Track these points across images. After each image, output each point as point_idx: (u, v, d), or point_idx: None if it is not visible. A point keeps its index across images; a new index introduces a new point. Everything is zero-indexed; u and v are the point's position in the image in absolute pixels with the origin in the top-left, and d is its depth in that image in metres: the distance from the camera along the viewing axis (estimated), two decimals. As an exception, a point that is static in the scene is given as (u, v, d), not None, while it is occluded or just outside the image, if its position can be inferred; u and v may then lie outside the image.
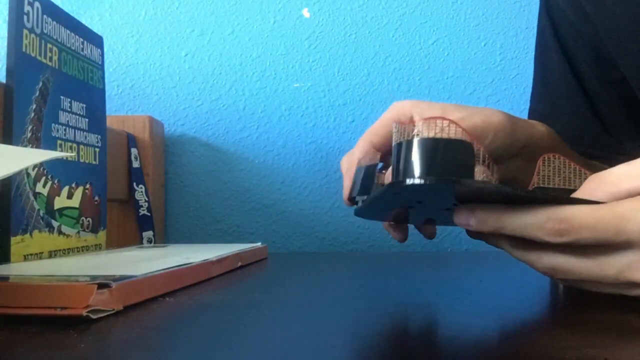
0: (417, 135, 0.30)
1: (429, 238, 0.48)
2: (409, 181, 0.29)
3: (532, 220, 0.30)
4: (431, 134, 0.30)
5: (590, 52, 0.56)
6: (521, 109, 0.88)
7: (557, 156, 0.34)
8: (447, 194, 0.31)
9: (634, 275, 0.30)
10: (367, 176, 0.38)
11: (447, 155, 0.29)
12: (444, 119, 0.31)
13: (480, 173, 0.31)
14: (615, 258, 0.30)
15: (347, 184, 0.44)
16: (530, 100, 0.64)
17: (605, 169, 0.32)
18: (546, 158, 0.34)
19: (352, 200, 0.42)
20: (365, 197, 0.37)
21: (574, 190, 0.32)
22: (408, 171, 0.30)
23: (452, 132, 0.30)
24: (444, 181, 0.29)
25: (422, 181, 0.29)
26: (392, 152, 0.32)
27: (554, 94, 0.60)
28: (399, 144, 0.31)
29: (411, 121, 0.38)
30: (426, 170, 0.29)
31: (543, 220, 0.30)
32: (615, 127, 0.57)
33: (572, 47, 0.57)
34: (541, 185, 0.34)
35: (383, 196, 0.33)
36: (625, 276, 0.30)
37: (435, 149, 0.29)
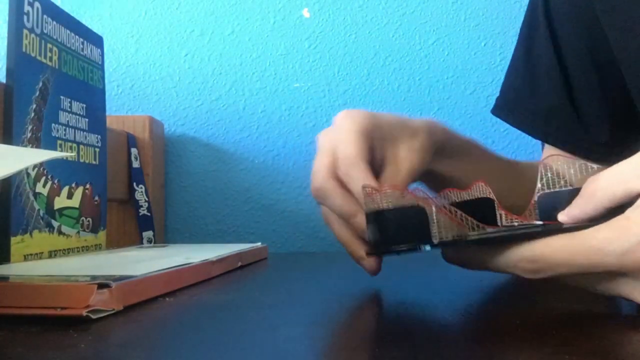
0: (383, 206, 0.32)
1: None
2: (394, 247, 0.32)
3: (508, 262, 0.30)
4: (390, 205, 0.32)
5: (581, 33, 0.55)
6: (521, 109, 0.88)
7: (558, 157, 0.35)
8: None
9: (621, 292, 0.30)
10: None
11: (407, 222, 0.31)
12: (396, 187, 0.33)
13: (439, 227, 0.32)
14: (600, 281, 0.30)
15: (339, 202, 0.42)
16: (506, 75, 0.64)
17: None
18: (547, 164, 0.34)
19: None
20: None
21: (579, 189, 0.32)
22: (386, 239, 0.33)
23: (407, 201, 0.32)
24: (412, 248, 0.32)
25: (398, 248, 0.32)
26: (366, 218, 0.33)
27: (533, 69, 0.59)
28: (374, 214, 0.33)
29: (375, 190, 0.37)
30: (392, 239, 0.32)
31: (517, 260, 0.30)
32: (587, 113, 0.56)
33: (563, 26, 0.56)
34: (546, 191, 0.34)
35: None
36: (610, 292, 0.30)
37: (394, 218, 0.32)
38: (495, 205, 0.33)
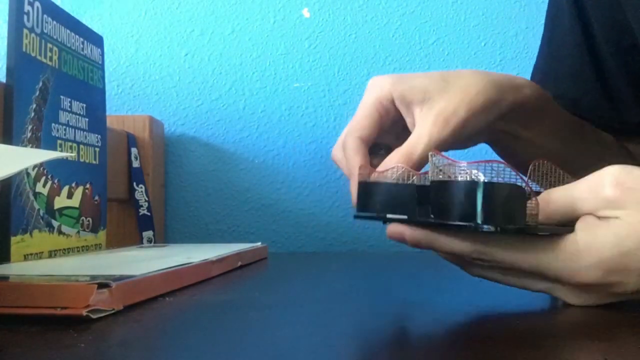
0: (476, 177, 0.30)
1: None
2: (486, 227, 0.30)
3: (461, 247, 0.33)
4: (487, 178, 0.31)
5: (604, 14, 0.55)
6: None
7: (544, 162, 0.36)
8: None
9: (556, 294, 0.33)
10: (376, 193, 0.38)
11: (510, 201, 0.30)
12: (499, 162, 0.31)
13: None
14: (537, 282, 0.33)
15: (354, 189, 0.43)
16: (536, 58, 0.64)
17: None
18: (536, 164, 0.35)
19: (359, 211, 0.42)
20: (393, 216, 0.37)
21: None
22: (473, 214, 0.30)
23: (508, 176, 0.31)
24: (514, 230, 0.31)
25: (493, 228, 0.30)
26: (432, 188, 0.32)
27: (559, 52, 0.59)
28: (459, 184, 0.31)
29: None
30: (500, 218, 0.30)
31: (470, 250, 0.33)
32: (615, 94, 0.56)
33: (587, 7, 0.57)
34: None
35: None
36: (549, 293, 0.34)
37: (503, 194, 0.30)
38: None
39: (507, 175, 0.31)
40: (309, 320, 0.31)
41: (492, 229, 0.30)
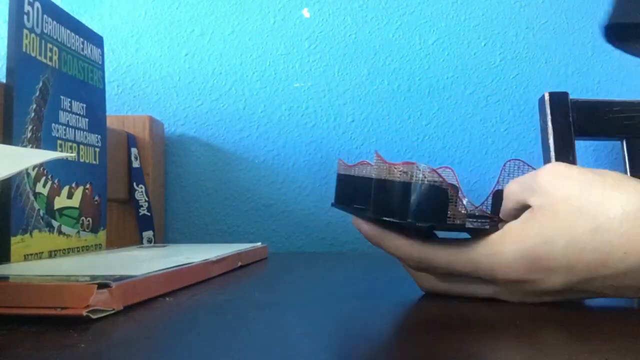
0: (414, 178, 0.33)
1: None
2: (386, 218, 0.33)
3: (404, 250, 0.36)
4: (420, 176, 0.33)
5: None
6: (521, 109, 0.88)
7: (514, 160, 0.38)
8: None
9: (505, 298, 0.34)
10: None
11: (426, 201, 0.33)
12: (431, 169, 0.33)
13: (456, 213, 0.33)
14: (481, 287, 0.35)
15: None
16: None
17: None
18: (506, 163, 0.38)
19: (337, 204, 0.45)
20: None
21: None
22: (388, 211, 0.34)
23: (434, 178, 0.33)
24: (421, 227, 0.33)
25: (398, 220, 0.33)
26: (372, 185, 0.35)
27: None
28: (386, 183, 0.34)
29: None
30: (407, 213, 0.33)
31: (409, 252, 0.35)
32: None
33: None
34: (500, 189, 0.37)
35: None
36: (498, 297, 0.35)
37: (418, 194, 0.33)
38: (460, 193, 0.34)
39: (445, 175, 0.33)
40: (309, 320, 0.31)
41: (421, 225, 0.32)
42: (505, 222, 0.34)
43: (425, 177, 0.32)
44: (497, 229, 0.34)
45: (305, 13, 0.89)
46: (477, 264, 0.33)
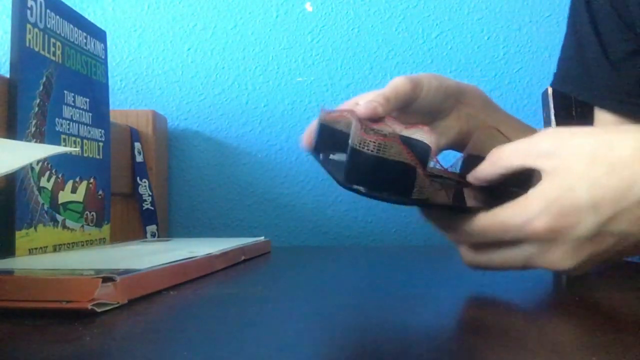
0: (375, 148, 0.33)
1: None
2: (356, 187, 0.33)
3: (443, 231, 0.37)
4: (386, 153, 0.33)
5: (614, 19, 0.57)
6: (524, 103, 0.88)
7: (489, 128, 0.38)
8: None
9: (536, 263, 0.34)
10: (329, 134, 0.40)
11: (393, 176, 0.33)
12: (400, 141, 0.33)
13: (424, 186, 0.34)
14: (516, 253, 0.35)
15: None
16: (561, 51, 0.66)
17: None
18: (480, 131, 0.39)
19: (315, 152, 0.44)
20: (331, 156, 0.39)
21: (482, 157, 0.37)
22: (356, 179, 0.34)
23: (403, 156, 0.33)
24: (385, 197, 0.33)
25: (365, 191, 0.33)
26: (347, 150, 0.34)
27: (581, 49, 0.62)
28: (355, 150, 0.33)
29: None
30: (373, 185, 0.33)
31: (452, 230, 0.37)
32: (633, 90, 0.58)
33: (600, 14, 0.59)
34: (473, 154, 0.38)
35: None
36: (531, 264, 0.35)
37: (385, 167, 0.33)
38: (431, 152, 0.35)
39: (418, 136, 0.34)
40: (312, 313, 0.31)
41: (360, 189, 0.33)
42: (473, 185, 0.36)
43: (393, 153, 0.33)
44: (462, 190, 0.35)
45: (308, 7, 0.88)
46: (507, 225, 0.34)
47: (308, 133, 0.44)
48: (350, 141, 0.33)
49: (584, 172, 0.32)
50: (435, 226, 0.38)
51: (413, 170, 0.33)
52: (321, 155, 0.38)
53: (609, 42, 0.60)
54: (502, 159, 0.36)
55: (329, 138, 0.38)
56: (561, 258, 0.33)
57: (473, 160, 0.37)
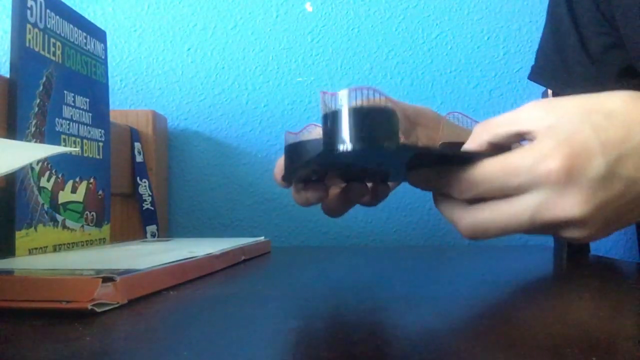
0: (343, 105, 0.32)
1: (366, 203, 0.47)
2: (341, 147, 0.31)
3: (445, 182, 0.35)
4: (358, 103, 0.32)
5: (594, 13, 0.58)
6: (524, 103, 0.88)
7: (456, 113, 0.38)
8: (378, 159, 0.33)
9: (545, 215, 0.32)
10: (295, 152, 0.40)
11: (376, 122, 0.31)
12: (369, 88, 0.32)
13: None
14: (522, 203, 0.33)
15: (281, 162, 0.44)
16: (539, 46, 0.67)
17: None
18: (447, 117, 0.37)
19: (287, 180, 0.43)
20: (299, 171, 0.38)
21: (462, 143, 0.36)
22: (340, 139, 0.32)
23: (378, 100, 0.32)
24: (375, 147, 0.32)
25: (352, 148, 0.31)
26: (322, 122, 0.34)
27: (561, 43, 0.63)
28: (330, 114, 0.32)
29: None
30: (357, 137, 0.31)
31: (450, 183, 0.34)
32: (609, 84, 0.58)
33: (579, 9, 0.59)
34: (444, 141, 0.38)
35: (317, 164, 0.35)
36: (540, 218, 0.32)
37: (365, 116, 0.31)
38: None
39: (374, 96, 0.32)
40: (312, 313, 0.31)
41: (345, 148, 0.31)
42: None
43: (369, 104, 0.32)
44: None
45: (308, 7, 0.88)
46: (518, 167, 0.32)
47: (278, 167, 0.43)
48: (325, 111, 0.32)
49: (584, 119, 0.32)
50: (429, 185, 0.36)
51: (395, 115, 0.32)
52: (293, 184, 0.37)
53: (588, 35, 0.60)
54: (489, 128, 0.35)
55: (297, 157, 0.38)
56: (574, 203, 0.31)
57: (450, 146, 0.36)
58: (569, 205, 0.32)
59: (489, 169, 0.33)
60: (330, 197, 0.45)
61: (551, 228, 0.33)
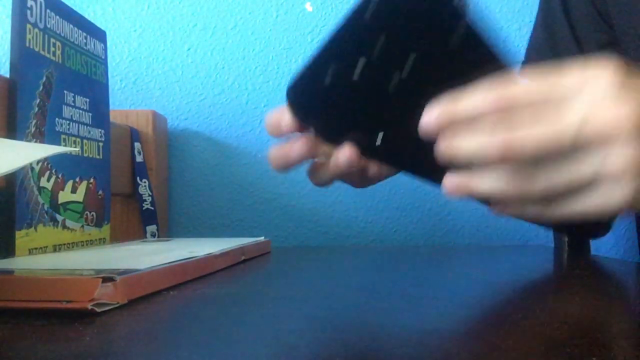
0: None
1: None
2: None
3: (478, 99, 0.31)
4: None
5: (589, 9, 0.57)
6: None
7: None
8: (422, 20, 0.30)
9: (595, 123, 0.28)
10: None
11: None
12: None
13: None
14: (570, 107, 0.29)
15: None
16: (528, 43, 0.66)
17: None
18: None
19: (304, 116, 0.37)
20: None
21: None
22: None
23: None
24: None
25: None
26: None
27: (554, 39, 0.62)
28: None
29: None
30: None
31: (484, 96, 0.31)
32: None
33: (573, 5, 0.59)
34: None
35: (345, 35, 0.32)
36: (588, 130, 0.28)
37: None
38: None
39: None
40: (312, 313, 0.31)
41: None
42: None
43: None
44: None
45: (308, 7, 0.88)
46: (565, 70, 0.29)
47: (275, 116, 0.38)
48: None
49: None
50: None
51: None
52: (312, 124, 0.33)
53: (583, 33, 0.59)
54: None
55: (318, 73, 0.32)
56: (628, 111, 0.27)
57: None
58: (624, 112, 0.28)
59: (534, 77, 0.30)
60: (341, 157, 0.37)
61: (594, 152, 0.29)
